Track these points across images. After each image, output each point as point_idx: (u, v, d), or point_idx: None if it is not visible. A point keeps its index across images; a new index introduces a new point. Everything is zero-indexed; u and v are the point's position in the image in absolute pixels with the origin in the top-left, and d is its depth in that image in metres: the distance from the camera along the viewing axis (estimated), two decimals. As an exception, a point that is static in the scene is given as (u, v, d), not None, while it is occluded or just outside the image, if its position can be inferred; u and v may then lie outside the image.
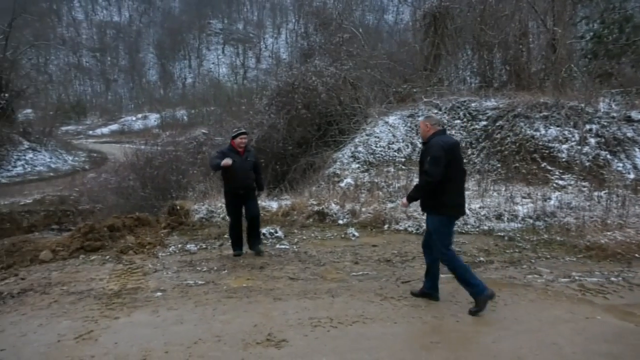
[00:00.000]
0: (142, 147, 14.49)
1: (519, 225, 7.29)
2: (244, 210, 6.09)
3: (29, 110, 36.10)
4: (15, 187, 19.41)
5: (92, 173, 21.95)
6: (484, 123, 11.41)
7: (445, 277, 5.03)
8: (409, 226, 7.26)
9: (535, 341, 3.57)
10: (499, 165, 10.30)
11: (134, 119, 62.49)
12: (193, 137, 18.35)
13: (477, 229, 7.16)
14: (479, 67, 16.46)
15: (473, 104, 12.03)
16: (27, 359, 3.37)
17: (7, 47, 29.42)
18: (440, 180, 3.98)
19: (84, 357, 3.34)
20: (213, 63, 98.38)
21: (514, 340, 3.58)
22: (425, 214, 4.33)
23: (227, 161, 5.66)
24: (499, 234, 6.93)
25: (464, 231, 7.05)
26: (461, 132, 11.45)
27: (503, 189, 8.78)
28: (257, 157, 6.51)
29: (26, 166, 25.83)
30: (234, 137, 6.00)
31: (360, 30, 19.40)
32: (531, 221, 7.34)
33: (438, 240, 4.14)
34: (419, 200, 4.29)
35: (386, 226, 7.43)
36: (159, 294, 4.67)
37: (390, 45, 26.29)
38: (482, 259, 5.79)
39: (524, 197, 8.36)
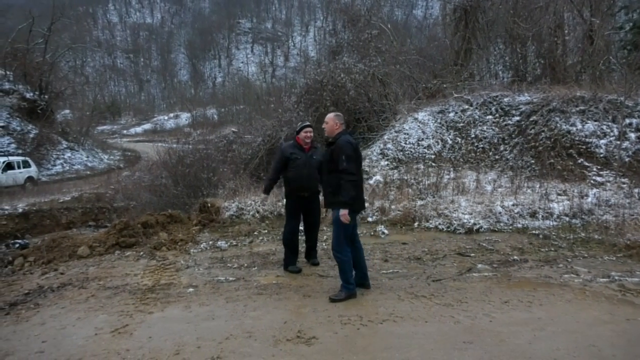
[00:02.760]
0: (174, 145, 14.76)
1: (555, 223, 7.07)
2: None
3: (67, 111, 37.46)
4: (55, 185, 20.18)
5: (126, 171, 22.54)
6: (517, 118, 11.11)
7: (478, 277, 4.95)
8: (439, 224, 7.14)
9: (573, 343, 3.45)
10: (532, 161, 10.01)
11: (166, 118, 64.00)
12: (223, 136, 18.57)
13: (510, 227, 6.98)
14: (512, 60, 16.03)
15: (505, 99, 11.73)
16: (66, 351, 3.48)
17: (46, 50, 30.59)
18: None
19: (120, 350, 3.44)
20: (242, 62, 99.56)
21: (551, 341, 3.48)
22: (331, 210, 4.45)
23: (265, 197, 5.71)
24: (534, 232, 6.74)
25: (496, 229, 6.89)
26: (493, 127, 11.19)
27: (537, 186, 8.53)
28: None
29: (65, 165, 26.85)
30: (299, 132, 5.36)
31: (389, 26, 19.21)
32: (567, 219, 7.11)
33: (342, 233, 4.30)
34: (325, 198, 4.47)
35: (416, 224, 7.34)
36: (191, 289, 4.75)
37: (419, 41, 25.97)
38: (515, 257, 5.64)
39: (559, 194, 8.10)
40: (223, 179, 10.29)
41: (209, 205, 7.90)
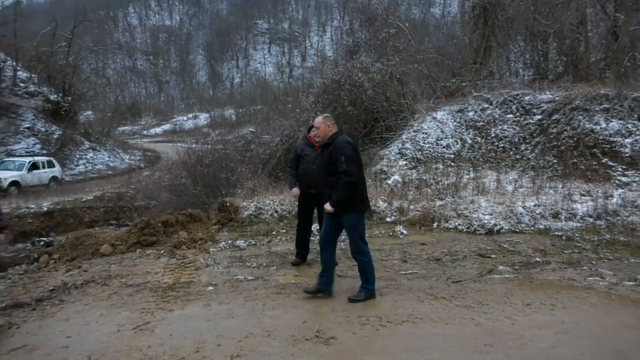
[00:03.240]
0: (193, 146, 14.95)
1: (578, 224, 6.92)
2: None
3: (89, 112, 38.23)
4: (78, 185, 20.61)
5: (146, 171, 22.91)
6: (539, 117, 10.91)
7: (499, 278, 4.88)
8: (459, 224, 7.06)
9: (598, 347, 3.37)
10: (555, 161, 9.83)
11: (185, 118, 64.77)
12: (241, 136, 18.74)
13: (532, 228, 6.86)
14: (533, 58, 15.78)
15: (527, 97, 11.53)
16: (90, 347, 3.55)
17: (69, 53, 31.27)
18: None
19: (141, 347, 3.49)
20: (259, 63, 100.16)
21: (574, 345, 3.40)
22: (336, 213, 4.30)
23: (295, 191, 5.51)
24: (556, 233, 6.61)
25: (517, 230, 6.79)
26: (514, 126, 11.02)
27: (560, 186, 8.37)
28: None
29: (87, 165, 27.42)
30: (309, 130, 5.43)
31: (407, 24, 19.08)
32: (591, 220, 6.96)
33: (357, 236, 4.29)
34: (323, 200, 4.40)
35: (435, 224, 7.27)
36: (210, 288, 4.79)
37: (437, 39, 25.74)
38: (538, 259, 5.54)
39: (582, 195, 7.93)
40: (241, 179, 10.38)
41: (228, 204, 7.96)
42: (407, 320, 3.83)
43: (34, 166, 19.43)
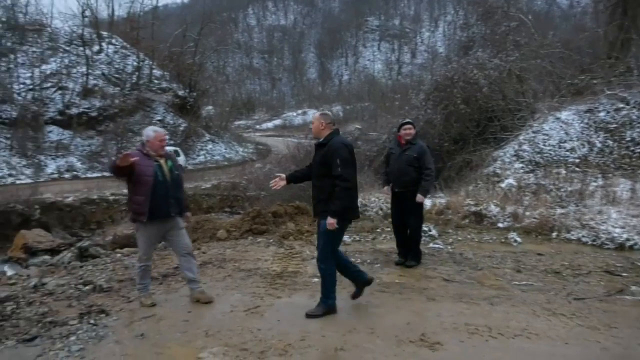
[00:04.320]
0: (302, 140, 15.46)
1: None
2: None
3: (210, 107, 41.50)
4: (198, 173, 22.52)
5: (258, 163, 24.26)
6: (690, 119, 9.46)
7: (632, 300, 4.35)
8: (583, 236, 6.42)
9: None
10: None
11: (294, 114, 67.24)
12: (348, 132, 18.92)
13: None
14: (683, 52, 13.66)
15: (674, 97, 10.06)
16: (206, 323, 3.86)
17: (196, 53, 34.22)
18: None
19: (252, 329, 3.71)
20: (368, 60, 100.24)
21: None
22: (318, 220, 3.99)
23: (386, 190, 5.57)
24: None
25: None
26: (656, 130, 9.68)
27: None
28: (424, 152, 5.36)
29: (207, 155, 29.87)
30: (399, 129, 5.59)
31: (530, 17, 17.69)
32: None
33: (330, 245, 3.93)
34: (312, 202, 4.05)
35: (554, 234, 6.70)
36: (315, 279, 4.92)
37: (564, 32, 23.50)
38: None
39: None
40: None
41: (334, 199, 8.10)
42: (520, 335, 3.58)
43: (167, 155, 21.54)
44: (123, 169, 3.98)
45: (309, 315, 3.91)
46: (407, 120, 5.91)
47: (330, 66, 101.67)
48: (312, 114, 4.20)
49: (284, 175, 4.32)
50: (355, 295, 4.20)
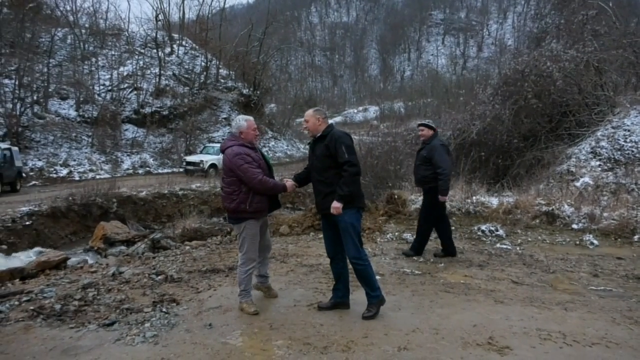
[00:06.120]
0: (364, 137, 15.37)
1: None
2: None
3: (272, 105, 42.46)
4: (261, 170, 23.05)
5: (319, 161, 24.38)
6: None
7: None
8: (671, 240, 5.88)
9: None
10: None
11: (355, 111, 67.18)
12: (410, 129, 18.58)
13: None
14: None
15: None
16: (271, 316, 3.94)
17: (260, 52, 35.10)
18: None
19: (315, 324, 3.74)
20: (432, 55, 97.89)
21: None
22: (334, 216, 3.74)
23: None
24: None
25: None
26: None
27: None
28: (433, 153, 5.42)
29: (269, 152, 30.61)
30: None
31: (610, 4, 16.40)
32: None
33: (355, 237, 3.76)
34: (317, 200, 3.91)
35: (636, 237, 6.21)
36: (377, 277, 4.86)
37: (650, 19, 21.58)
38: None
39: None
40: (409, 172, 10.31)
41: (396, 196, 8.02)
42: (598, 343, 3.34)
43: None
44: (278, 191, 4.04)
45: (366, 318, 3.81)
46: (423, 122, 6.15)
47: (392, 62, 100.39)
48: (305, 112, 4.10)
49: (291, 181, 4.32)
50: (322, 307, 4.03)
